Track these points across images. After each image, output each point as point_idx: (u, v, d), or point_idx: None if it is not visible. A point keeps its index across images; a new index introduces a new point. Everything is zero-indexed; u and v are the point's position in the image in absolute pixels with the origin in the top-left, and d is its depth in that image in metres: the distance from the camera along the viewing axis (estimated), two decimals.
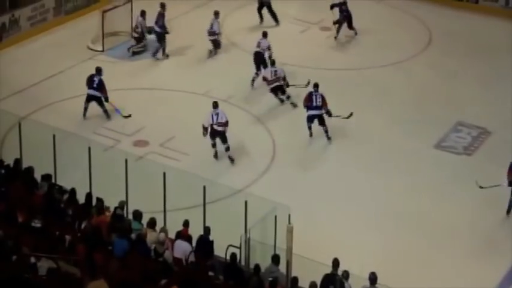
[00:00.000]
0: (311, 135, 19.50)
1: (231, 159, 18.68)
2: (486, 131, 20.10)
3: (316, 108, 19.33)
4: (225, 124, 18.56)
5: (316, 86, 19.56)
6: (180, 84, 21.70)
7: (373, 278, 13.73)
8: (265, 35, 22.23)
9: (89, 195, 15.36)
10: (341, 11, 24.16)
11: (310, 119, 19.40)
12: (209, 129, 18.63)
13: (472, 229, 16.94)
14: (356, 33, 24.34)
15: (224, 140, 18.64)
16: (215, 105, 18.80)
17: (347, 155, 19.11)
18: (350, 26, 24.27)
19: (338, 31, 24.26)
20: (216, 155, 18.80)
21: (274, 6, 25.22)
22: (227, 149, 18.68)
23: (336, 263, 14.01)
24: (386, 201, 17.59)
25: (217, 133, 18.61)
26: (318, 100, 19.33)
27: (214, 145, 18.75)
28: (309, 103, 19.40)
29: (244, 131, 19.88)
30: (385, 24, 25.16)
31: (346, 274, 13.88)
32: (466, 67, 22.98)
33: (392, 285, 13.84)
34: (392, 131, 20.01)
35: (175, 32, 23.87)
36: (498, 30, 24.87)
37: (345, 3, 24.05)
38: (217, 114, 18.64)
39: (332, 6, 24.15)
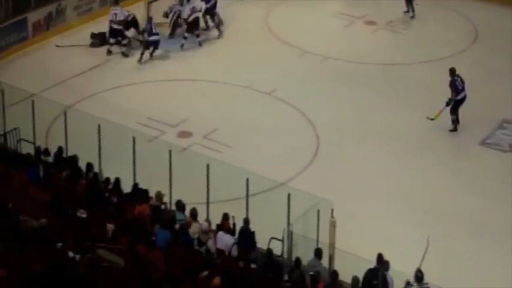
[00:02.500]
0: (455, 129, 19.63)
1: None
2: None
3: (463, 90, 19.49)
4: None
5: (452, 72, 19.63)
6: (224, 76, 21.70)
7: (420, 276, 13.59)
8: None
9: (135, 185, 15.45)
10: None
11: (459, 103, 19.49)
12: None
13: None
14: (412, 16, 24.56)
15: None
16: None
17: (391, 152, 18.97)
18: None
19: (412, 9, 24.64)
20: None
21: (318, 2, 25.16)
22: None
23: (380, 258, 13.92)
24: (431, 199, 17.47)
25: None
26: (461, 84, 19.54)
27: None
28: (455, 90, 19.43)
29: (288, 124, 19.88)
30: (430, 21, 24.95)
31: (387, 265, 13.78)
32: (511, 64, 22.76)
33: (436, 283, 13.72)
34: (437, 128, 19.85)
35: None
36: None
37: None
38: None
39: None
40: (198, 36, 23.26)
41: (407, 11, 25.00)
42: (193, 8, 23.32)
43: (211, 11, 23.61)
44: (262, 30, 24.02)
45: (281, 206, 14.92)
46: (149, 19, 22.67)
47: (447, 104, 19.42)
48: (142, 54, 22.40)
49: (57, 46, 22.85)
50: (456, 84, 19.50)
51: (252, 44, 23.36)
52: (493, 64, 22.78)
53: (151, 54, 22.49)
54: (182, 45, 23.05)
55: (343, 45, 23.67)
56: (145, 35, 22.54)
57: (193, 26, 23.22)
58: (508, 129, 19.92)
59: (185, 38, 23.08)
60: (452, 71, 19.65)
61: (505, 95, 21.32)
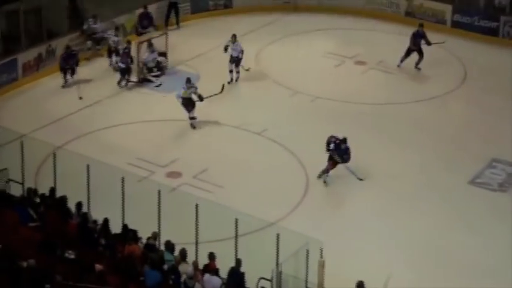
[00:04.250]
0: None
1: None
2: None
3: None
4: None
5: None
6: (214, 116, 21.77)
7: None
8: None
9: (125, 226, 15.42)
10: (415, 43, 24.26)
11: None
12: None
13: (508, 266, 16.73)
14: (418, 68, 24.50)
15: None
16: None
17: (381, 191, 19.00)
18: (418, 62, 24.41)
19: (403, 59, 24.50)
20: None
21: (309, 42, 25.37)
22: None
23: (360, 285, 13.85)
24: (421, 238, 17.45)
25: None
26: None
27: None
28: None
29: (278, 164, 19.91)
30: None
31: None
32: (501, 103, 22.84)
33: None
34: (427, 166, 19.91)
35: (208, 63, 24.04)
36: None
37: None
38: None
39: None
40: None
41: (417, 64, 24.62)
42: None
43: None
44: (253, 69, 24.13)
45: (270, 246, 14.86)
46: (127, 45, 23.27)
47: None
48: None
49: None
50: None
51: (242, 84, 23.44)
52: (483, 103, 22.91)
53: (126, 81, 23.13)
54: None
55: (334, 85, 23.80)
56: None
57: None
58: (497, 168, 19.97)
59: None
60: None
61: (494, 134, 21.42)
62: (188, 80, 21.39)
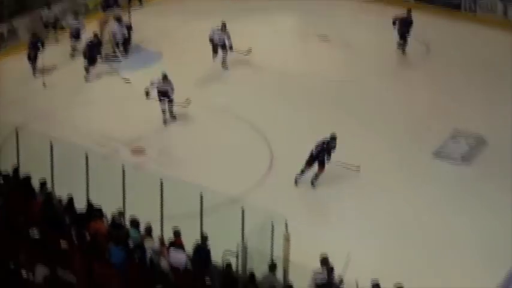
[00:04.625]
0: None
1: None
2: (483, 139, 20.14)
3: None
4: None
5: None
6: (178, 93, 21.65)
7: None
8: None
9: (89, 204, 15.39)
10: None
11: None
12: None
13: (471, 236, 16.92)
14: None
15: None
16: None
17: (344, 166, 19.09)
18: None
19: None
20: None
21: (274, 19, 25.30)
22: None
23: (324, 260, 13.99)
24: (385, 211, 17.57)
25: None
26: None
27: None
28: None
29: (243, 141, 19.93)
30: (382, 35, 25.17)
31: (331, 269, 13.88)
32: (464, 77, 23.03)
33: None
34: (390, 141, 20.03)
35: (171, 42, 23.93)
36: (496, 40, 24.91)
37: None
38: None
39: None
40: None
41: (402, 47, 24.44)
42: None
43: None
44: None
45: (235, 221, 14.93)
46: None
47: None
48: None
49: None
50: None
51: (206, 61, 23.38)
52: (445, 77, 23.07)
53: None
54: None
55: (299, 62, 23.80)
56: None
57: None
58: (460, 141, 20.14)
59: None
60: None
61: (457, 107, 21.58)
62: (165, 77, 20.57)
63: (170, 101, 20.42)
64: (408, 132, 20.46)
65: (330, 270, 13.91)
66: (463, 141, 20.08)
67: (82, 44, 23.29)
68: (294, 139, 19.89)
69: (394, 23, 24.05)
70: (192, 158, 19.05)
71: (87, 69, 22.54)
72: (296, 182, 18.31)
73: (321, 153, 18.25)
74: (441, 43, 24.86)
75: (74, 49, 23.67)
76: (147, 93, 20.21)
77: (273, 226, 14.82)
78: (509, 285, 15.73)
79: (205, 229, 15.14)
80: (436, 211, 17.64)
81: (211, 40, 22.99)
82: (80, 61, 22.85)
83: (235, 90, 22.11)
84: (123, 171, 15.73)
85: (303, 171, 18.27)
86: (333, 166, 18.51)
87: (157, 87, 20.34)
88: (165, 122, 20.41)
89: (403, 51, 24.26)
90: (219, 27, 22.96)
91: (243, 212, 14.78)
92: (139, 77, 22.21)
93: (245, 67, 23.08)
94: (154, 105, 21.10)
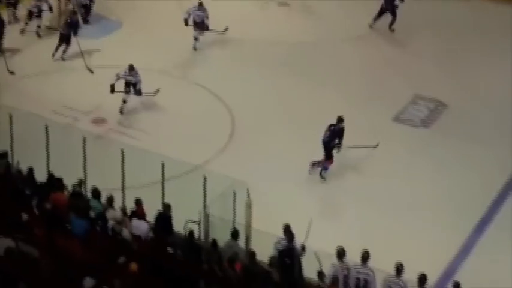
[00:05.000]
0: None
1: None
2: (443, 103, 20.29)
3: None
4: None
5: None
6: (139, 62, 21.42)
7: (341, 253, 13.63)
8: None
9: (50, 175, 15.30)
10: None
11: None
12: None
13: (430, 199, 17.10)
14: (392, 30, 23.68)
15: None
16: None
17: (305, 131, 19.08)
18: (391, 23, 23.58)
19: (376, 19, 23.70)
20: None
21: None
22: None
23: (287, 229, 14.02)
24: (345, 175, 17.66)
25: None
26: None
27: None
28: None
29: (204, 108, 19.87)
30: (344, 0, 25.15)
31: (291, 236, 13.90)
32: (423, 42, 23.11)
33: (353, 259, 13.82)
34: (349, 105, 20.07)
35: (131, 11, 23.71)
36: (457, 5, 24.88)
37: None
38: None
39: None
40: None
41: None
42: None
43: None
44: (177, 14, 23.86)
45: (198, 189, 14.95)
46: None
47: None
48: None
49: None
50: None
51: (167, 29, 23.22)
52: (405, 42, 23.16)
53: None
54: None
55: (258, 28, 23.72)
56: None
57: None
58: (420, 105, 20.28)
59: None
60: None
61: (417, 71, 21.69)
62: (131, 68, 19.77)
63: (137, 92, 19.65)
64: (369, 96, 20.50)
65: (291, 237, 13.96)
66: (423, 106, 20.21)
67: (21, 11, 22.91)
68: (255, 105, 19.90)
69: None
70: (153, 128, 18.97)
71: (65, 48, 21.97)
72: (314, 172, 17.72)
73: (331, 139, 17.56)
74: (402, 8, 24.80)
75: (14, 16, 23.26)
76: (112, 88, 19.37)
77: (234, 193, 14.84)
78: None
79: (167, 198, 15.14)
80: (394, 173, 17.78)
81: (186, 20, 22.40)
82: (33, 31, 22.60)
83: (194, 58, 21.98)
84: (84, 141, 15.65)
85: (319, 163, 17.63)
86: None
87: (125, 78, 19.60)
88: (121, 111, 19.58)
89: (391, 27, 23.61)
90: (196, 7, 22.57)
91: (205, 179, 14.78)
92: (98, 45, 22.02)
93: (204, 35, 22.91)
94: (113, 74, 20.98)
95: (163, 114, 19.52)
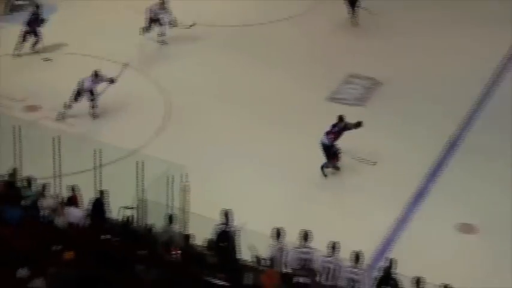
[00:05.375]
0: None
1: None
2: (377, 81, 20.48)
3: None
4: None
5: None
6: (76, 47, 21.42)
7: (278, 234, 13.69)
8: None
9: None
10: None
11: None
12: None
13: (364, 177, 17.31)
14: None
15: None
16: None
17: (243, 112, 19.15)
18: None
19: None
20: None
21: None
22: None
23: (227, 214, 14.10)
24: (281, 155, 17.70)
25: None
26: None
27: None
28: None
29: (141, 93, 19.77)
30: None
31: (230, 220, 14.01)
32: (357, 19, 23.21)
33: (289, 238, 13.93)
34: (285, 84, 20.17)
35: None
36: None
37: None
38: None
39: None
40: None
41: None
42: None
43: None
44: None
45: (134, 175, 14.89)
46: None
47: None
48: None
49: None
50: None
51: (104, 14, 23.01)
52: (338, 21, 23.23)
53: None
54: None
55: (198, 10, 23.55)
56: None
57: None
58: (354, 83, 20.44)
59: None
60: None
61: (350, 50, 21.83)
62: (96, 74, 19.00)
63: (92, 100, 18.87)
64: (302, 76, 20.57)
65: (228, 221, 14.05)
66: (357, 84, 20.37)
67: None
68: (193, 88, 19.89)
69: None
70: (87, 113, 18.80)
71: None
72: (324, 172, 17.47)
73: (333, 142, 17.31)
74: None
75: None
76: (76, 97, 18.80)
77: (172, 177, 14.77)
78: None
79: (103, 184, 15.08)
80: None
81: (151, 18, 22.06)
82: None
83: (134, 43, 21.84)
84: (18, 129, 15.48)
85: (327, 165, 17.43)
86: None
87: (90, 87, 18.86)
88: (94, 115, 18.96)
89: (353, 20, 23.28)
90: (157, 4, 22.15)
91: (140, 164, 14.73)
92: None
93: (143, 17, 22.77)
94: (47, 63, 20.73)
95: (101, 100, 19.23)
